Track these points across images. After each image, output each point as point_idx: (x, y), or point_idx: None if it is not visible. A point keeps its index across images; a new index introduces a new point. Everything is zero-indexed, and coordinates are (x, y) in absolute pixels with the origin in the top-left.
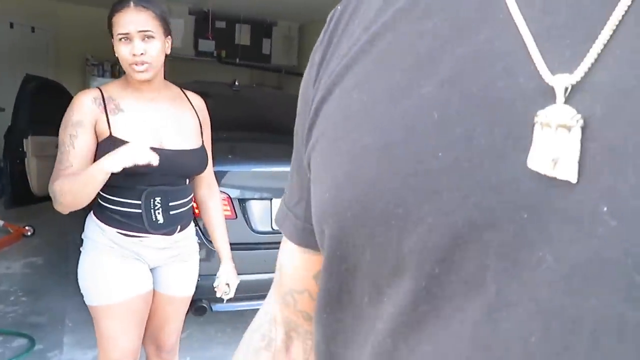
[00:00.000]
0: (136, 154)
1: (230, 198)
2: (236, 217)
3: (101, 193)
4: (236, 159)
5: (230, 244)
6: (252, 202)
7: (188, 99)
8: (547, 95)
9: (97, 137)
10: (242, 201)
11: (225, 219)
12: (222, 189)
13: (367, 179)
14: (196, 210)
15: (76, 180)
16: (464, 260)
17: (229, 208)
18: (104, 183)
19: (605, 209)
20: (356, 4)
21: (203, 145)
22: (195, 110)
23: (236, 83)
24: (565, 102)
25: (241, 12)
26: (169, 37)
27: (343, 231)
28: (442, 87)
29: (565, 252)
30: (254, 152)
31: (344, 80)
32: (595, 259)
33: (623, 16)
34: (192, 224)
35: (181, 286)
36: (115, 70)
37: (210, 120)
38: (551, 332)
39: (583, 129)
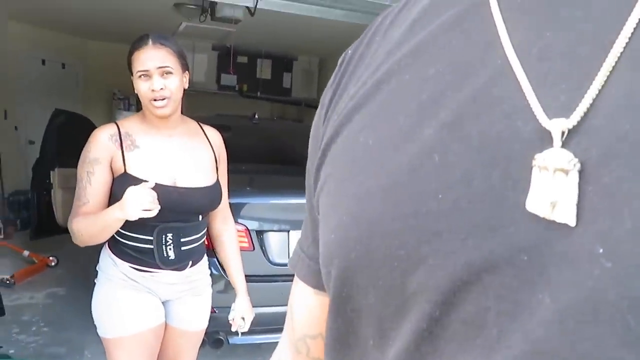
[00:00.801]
0: (140, 203)
1: (248, 230)
2: (253, 248)
3: (119, 229)
4: (254, 191)
5: (247, 275)
6: (270, 234)
7: (205, 133)
8: (545, 139)
9: (113, 173)
10: (260, 233)
11: (242, 250)
12: (240, 220)
13: (370, 220)
14: (207, 243)
15: (93, 223)
16: (465, 302)
17: (246, 240)
18: (119, 227)
19: (601, 250)
20: (364, 49)
21: (218, 181)
22: (211, 145)
23: (256, 116)
24: (562, 145)
25: (262, 47)
26: (187, 72)
27: (348, 272)
28: (442, 131)
29: (562, 294)
30: (272, 184)
31: (351, 123)
32: (591, 300)
33: (616, 62)
34: (205, 258)
35: (194, 320)
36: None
37: (230, 153)
38: None
39: (580, 172)
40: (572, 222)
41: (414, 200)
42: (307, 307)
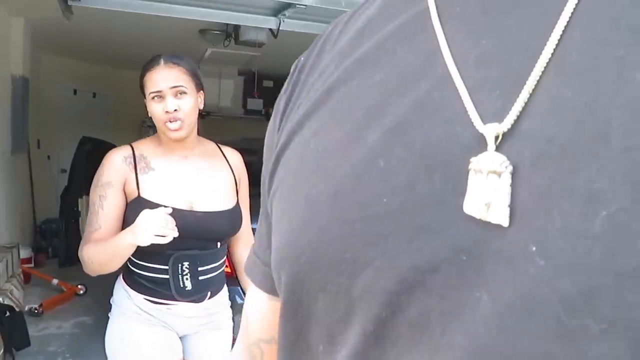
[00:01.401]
0: (153, 227)
1: None
2: None
3: (130, 256)
4: None
5: None
6: None
7: (224, 154)
8: (481, 144)
9: (126, 197)
10: None
11: None
12: None
13: (319, 225)
14: (230, 271)
15: (103, 250)
16: (410, 304)
17: None
18: (131, 254)
19: (534, 249)
20: (315, 58)
21: (237, 205)
22: (231, 167)
23: None
24: (497, 149)
25: (286, 71)
26: (202, 92)
27: (297, 277)
28: (386, 136)
29: (499, 292)
30: None
31: (303, 130)
32: (526, 298)
33: (545, 68)
34: (225, 289)
35: (213, 356)
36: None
37: (255, 176)
38: None
39: (513, 174)
40: (505, 223)
41: (360, 204)
42: (261, 312)
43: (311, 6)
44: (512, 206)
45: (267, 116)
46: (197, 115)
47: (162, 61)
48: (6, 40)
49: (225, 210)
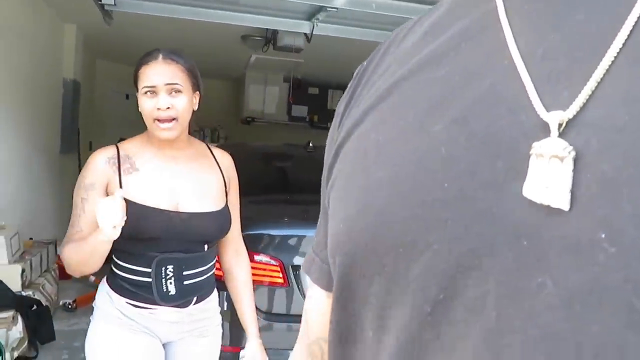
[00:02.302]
0: (109, 216)
1: (283, 264)
2: (288, 284)
3: (113, 258)
4: (292, 222)
5: (280, 314)
6: None
7: (214, 156)
8: (546, 131)
9: None
10: (296, 268)
11: (277, 286)
12: (274, 254)
13: (378, 210)
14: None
15: (81, 249)
16: (467, 287)
17: (280, 275)
18: (108, 250)
19: (603, 235)
20: (379, 60)
21: (226, 207)
22: (220, 169)
23: (310, 144)
24: (560, 136)
25: (333, 78)
26: (198, 92)
27: (354, 260)
28: (450, 127)
29: (565, 278)
30: (311, 214)
31: (363, 123)
32: (596, 285)
33: (615, 58)
34: (214, 294)
35: None
36: (214, 135)
37: (287, 183)
38: (553, 357)
39: (577, 161)
40: (565, 207)
41: (420, 189)
42: (320, 310)
43: (342, 9)
44: (574, 191)
45: (312, 123)
46: (190, 116)
47: (160, 56)
48: (59, 45)
49: (212, 212)
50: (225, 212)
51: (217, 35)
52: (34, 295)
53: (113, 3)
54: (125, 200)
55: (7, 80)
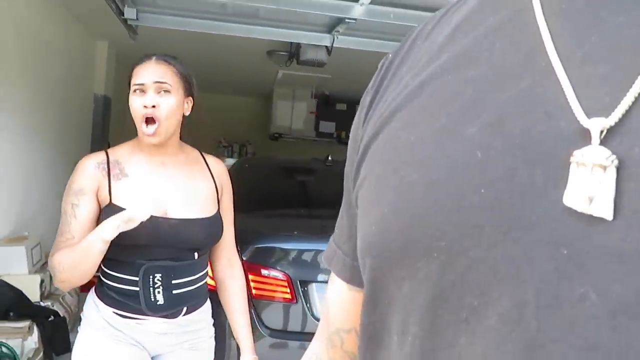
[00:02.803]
0: (132, 218)
1: (291, 279)
2: (296, 301)
3: (101, 266)
4: (301, 236)
5: (288, 331)
6: (316, 285)
7: (206, 162)
8: (586, 138)
9: (99, 205)
10: (304, 283)
11: (284, 302)
12: (281, 267)
13: (412, 213)
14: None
15: (74, 252)
16: (503, 295)
17: (288, 290)
18: (102, 255)
19: None
20: (405, 53)
21: (217, 214)
22: (212, 175)
23: (329, 158)
24: (601, 143)
25: (360, 94)
26: (190, 98)
27: (386, 262)
28: (485, 130)
29: (608, 289)
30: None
31: (392, 122)
32: None
33: None
34: (207, 305)
35: None
36: (242, 150)
37: (309, 196)
38: None
39: (620, 169)
40: (608, 216)
41: (456, 194)
42: (341, 302)
43: (361, 20)
44: (617, 201)
45: (339, 139)
46: (178, 120)
47: (154, 57)
48: (91, 62)
49: (202, 218)
50: (216, 219)
51: (243, 51)
52: (53, 306)
53: (135, 18)
54: (114, 205)
55: (41, 94)
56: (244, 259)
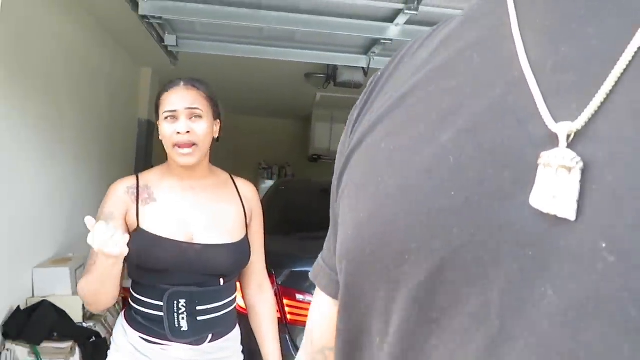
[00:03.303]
0: (96, 240)
1: None
2: None
3: (131, 290)
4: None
5: None
6: None
7: (236, 186)
8: (554, 142)
9: (128, 229)
10: None
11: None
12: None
13: (386, 218)
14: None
15: (93, 276)
16: (471, 296)
17: None
18: (118, 275)
19: (604, 245)
20: (393, 70)
21: (245, 239)
22: (241, 199)
23: None
24: (568, 146)
25: None
26: (219, 121)
27: (361, 267)
28: (459, 136)
29: (565, 287)
30: None
31: (374, 132)
32: (594, 293)
33: (622, 73)
34: (235, 332)
35: None
36: (282, 173)
37: (320, 219)
38: None
39: (584, 171)
40: (572, 217)
41: (427, 198)
42: (326, 319)
43: (397, 40)
44: (580, 202)
45: None
46: (210, 143)
47: (181, 83)
48: (135, 88)
49: (229, 244)
50: (243, 244)
51: (281, 74)
52: (95, 327)
53: (175, 44)
54: (141, 230)
55: (88, 120)
56: (279, 283)
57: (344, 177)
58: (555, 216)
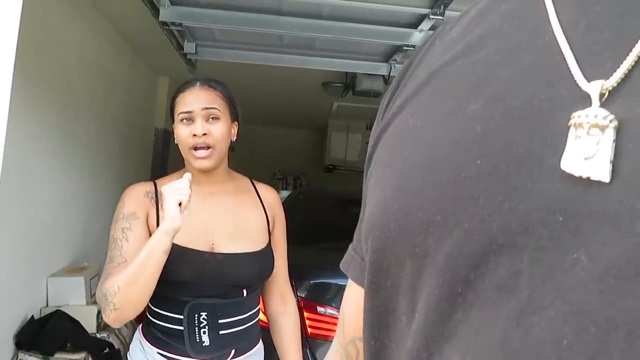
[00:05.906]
0: (171, 216)
1: None
2: None
3: (148, 304)
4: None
5: None
6: None
7: (257, 191)
8: (587, 103)
9: (150, 232)
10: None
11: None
12: (337, 305)
13: (411, 191)
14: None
15: (129, 269)
16: (499, 266)
17: None
18: (160, 269)
19: None
20: (424, 54)
21: (268, 247)
22: (263, 205)
23: None
24: (602, 106)
25: None
26: (236, 123)
27: (387, 243)
28: (487, 105)
29: (600, 252)
30: None
31: (403, 112)
32: (633, 257)
33: None
34: (259, 347)
35: None
36: (297, 182)
37: (352, 230)
38: (584, 333)
39: (619, 131)
40: (606, 178)
41: (453, 169)
42: (357, 309)
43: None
44: (615, 163)
45: None
46: (228, 146)
47: (197, 83)
48: (152, 97)
49: (251, 253)
50: (266, 253)
51: (298, 83)
52: (109, 338)
53: (194, 52)
54: None
55: (105, 127)
56: (300, 295)
57: (373, 158)
58: (588, 179)
